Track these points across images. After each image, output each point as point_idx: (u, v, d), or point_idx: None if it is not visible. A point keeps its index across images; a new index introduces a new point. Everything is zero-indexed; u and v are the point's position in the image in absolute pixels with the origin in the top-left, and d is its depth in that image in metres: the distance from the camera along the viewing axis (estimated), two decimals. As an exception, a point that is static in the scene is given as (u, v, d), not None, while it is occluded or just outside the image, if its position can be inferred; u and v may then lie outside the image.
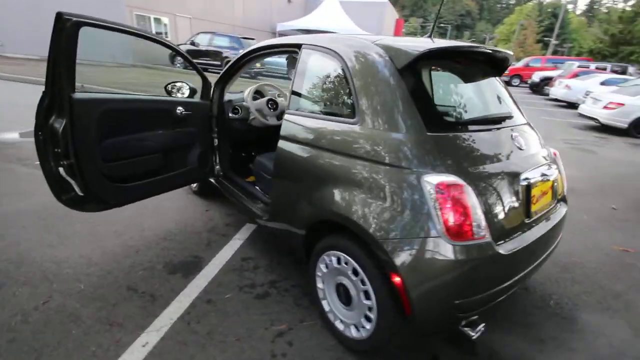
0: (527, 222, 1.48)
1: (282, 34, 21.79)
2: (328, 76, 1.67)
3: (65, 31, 1.58)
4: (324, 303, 1.70)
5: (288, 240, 1.93)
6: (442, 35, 57.21)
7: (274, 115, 2.78)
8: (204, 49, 12.16)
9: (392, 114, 1.38)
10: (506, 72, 1.87)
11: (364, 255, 1.40)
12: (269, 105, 2.74)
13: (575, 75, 12.67)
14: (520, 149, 1.56)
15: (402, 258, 1.24)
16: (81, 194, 1.83)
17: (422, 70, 1.50)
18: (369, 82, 1.45)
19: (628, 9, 23.72)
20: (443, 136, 1.36)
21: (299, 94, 1.82)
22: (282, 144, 1.81)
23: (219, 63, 12.18)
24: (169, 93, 2.56)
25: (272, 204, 1.98)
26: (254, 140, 3.10)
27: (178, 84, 2.54)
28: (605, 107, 8.32)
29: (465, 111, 1.54)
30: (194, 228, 2.62)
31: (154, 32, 14.28)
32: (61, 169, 1.76)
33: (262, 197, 2.38)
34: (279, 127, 3.00)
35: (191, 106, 2.36)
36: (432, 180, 1.25)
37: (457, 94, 1.61)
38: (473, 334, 1.35)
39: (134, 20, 13.34)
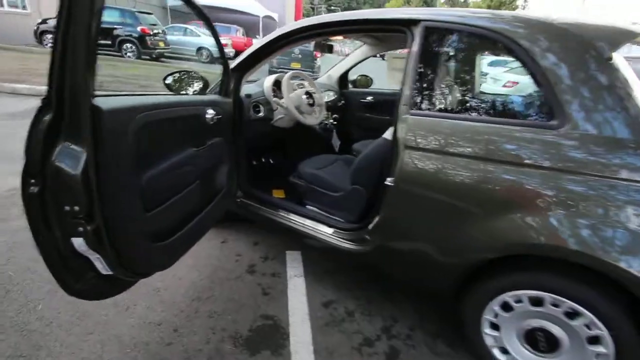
0: None
1: (174, 10, 19.18)
2: (487, 65, 1.27)
3: None
4: (495, 351, 1.37)
5: (413, 275, 1.52)
6: (334, 17, 58.83)
7: (311, 113, 2.19)
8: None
9: (618, 114, 1.09)
10: None
11: (600, 298, 1.11)
12: (307, 101, 2.14)
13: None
14: None
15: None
16: (108, 272, 1.07)
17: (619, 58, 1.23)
18: (576, 75, 1.12)
19: None
20: None
21: (429, 88, 1.36)
22: (413, 155, 1.34)
23: (109, 42, 9.95)
24: (170, 88, 1.75)
25: (391, 227, 1.48)
26: (272, 145, 2.45)
27: (186, 76, 1.74)
28: (504, 86, 9.69)
29: None
30: (226, 272, 1.93)
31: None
32: (77, 240, 0.97)
33: (326, 218, 1.86)
34: (308, 128, 2.41)
35: (219, 107, 1.65)
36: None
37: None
38: None
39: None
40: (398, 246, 1.49)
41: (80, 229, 0.94)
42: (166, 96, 1.35)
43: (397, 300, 1.80)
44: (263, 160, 2.50)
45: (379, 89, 2.99)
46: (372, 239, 1.59)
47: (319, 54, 10.35)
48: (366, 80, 3.29)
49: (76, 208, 0.92)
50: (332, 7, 61.78)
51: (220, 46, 1.63)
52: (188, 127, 1.42)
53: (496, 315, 1.33)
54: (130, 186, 1.03)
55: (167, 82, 1.71)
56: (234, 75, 1.90)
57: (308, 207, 2.00)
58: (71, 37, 0.83)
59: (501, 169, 1.18)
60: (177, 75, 1.73)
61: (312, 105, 2.16)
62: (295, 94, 2.12)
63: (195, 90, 1.76)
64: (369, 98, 2.85)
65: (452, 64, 1.38)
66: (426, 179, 1.31)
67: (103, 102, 0.91)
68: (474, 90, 1.42)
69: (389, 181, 1.45)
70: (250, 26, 18.30)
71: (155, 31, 10.63)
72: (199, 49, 12.20)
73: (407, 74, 1.39)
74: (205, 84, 1.78)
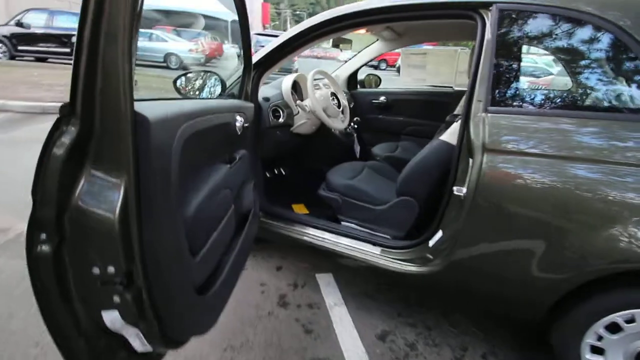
0: None
1: (135, 16, 18.23)
2: (582, 52, 1.10)
3: None
4: (600, 378, 1.19)
5: (501, 297, 1.30)
6: (299, 22, 59.13)
7: (337, 116, 1.93)
8: (39, 32, 8.87)
9: None
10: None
11: None
12: (334, 102, 1.88)
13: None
14: None
15: None
16: (146, 349, 0.76)
17: None
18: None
19: None
20: None
21: (512, 82, 1.17)
22: (500, 160, 1.13)
23: (67, 50, 9.17)
24: (180, 92, 1.44)
25: (468, 243, 1.25)
26: (287, 155, 2.17)
27: (204, 76, 1.44)
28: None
29: None
30: (255, 308, 1.64)
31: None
32: (110, 314, 0.67)
33: (368, 236, 1.62)
34: (328, 134, 2.13)
35: (245, 113, 1.38)
36: None
37: None
38: None
39: None
40: (479, 266, 1.27)
41: (116, 298, 0.64)
42: (197, 101, 1.06)
43: (458, 324, 1.59)
44: (276, 172, 2.22)
45: (391, 89, 2.80)
46: (437, 258, 1.36)
47: (296, 57, 10.09)
48: (369, 80, 3.11)
49: (110, 269, 0.62)
50: (298, 12, 61.99)
51: (247, 42, 1.36)
52: (221, 139, 1.14)
53: (600, 338, 1.15)
54: (177, 226, 0.74)
55: (177, 85, 1.41)
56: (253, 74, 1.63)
57: (344, 223, 1.75)
58: (106, 17, 0.54)
59: (624, 171, 1.00)
60: (189, 76, 1.43)
61: (338, 107, 1.92)
62: (321, 94, 1.86)
63: (211, 94, 1.46)
64: (382, 98, 2.65)
65: (540, 53, 1.20)
66: (521, 187, 1.11)
67: (146, 109, 0.63)
68: (567, 82, 1.24)
69: (457, 190, 1.24)
70: (215, 31, 17.76)
71: (119, 37, 9.93)
72: (167, 55, 11.55)
73: (481, 65, 1.19)
74: (223, 86, 1.50)
